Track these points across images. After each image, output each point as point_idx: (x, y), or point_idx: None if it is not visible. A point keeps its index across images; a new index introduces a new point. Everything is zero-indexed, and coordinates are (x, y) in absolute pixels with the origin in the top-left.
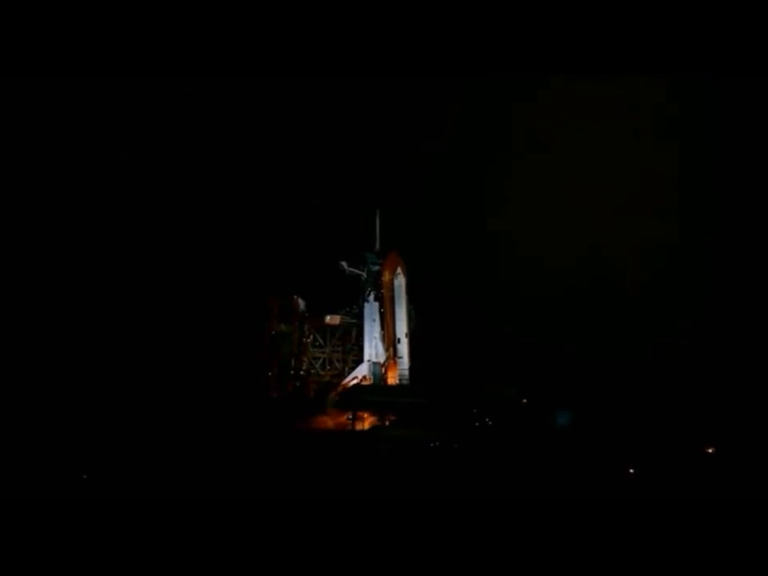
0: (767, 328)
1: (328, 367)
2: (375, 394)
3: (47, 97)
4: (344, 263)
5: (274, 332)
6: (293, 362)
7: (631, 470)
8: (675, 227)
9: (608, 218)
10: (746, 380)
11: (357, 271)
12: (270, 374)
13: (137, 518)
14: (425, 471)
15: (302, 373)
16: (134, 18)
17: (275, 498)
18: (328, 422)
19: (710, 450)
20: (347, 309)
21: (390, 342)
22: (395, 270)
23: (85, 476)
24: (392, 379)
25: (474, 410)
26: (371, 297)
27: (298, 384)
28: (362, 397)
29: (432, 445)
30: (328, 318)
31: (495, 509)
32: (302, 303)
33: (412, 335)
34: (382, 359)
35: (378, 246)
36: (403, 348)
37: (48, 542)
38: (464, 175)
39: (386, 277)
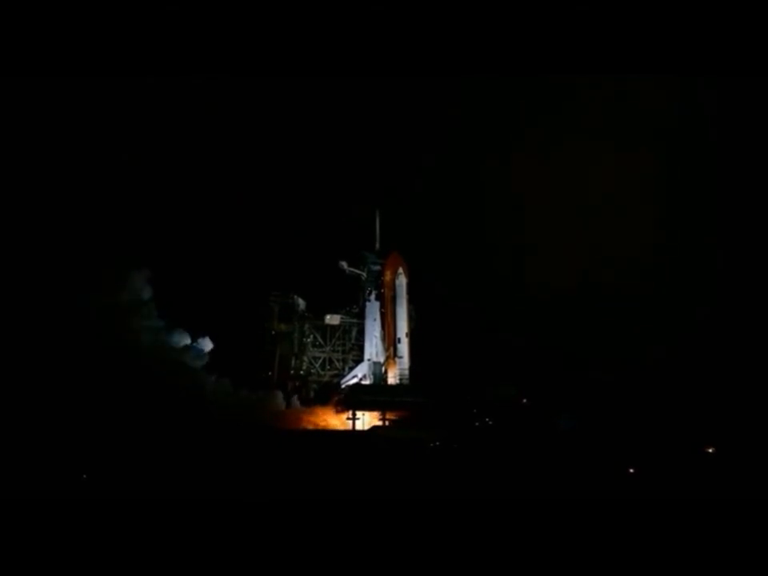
0: (766, 328)
1: (328, 367)
2: (375, 393)
3: (46, 97)
4: (344, 263)
5: (274, 332)
6: (293, 361)
7: (631, 470)
8: (675, 228)
9: (608, 220)
10: (747, 380)
11: (357, 271)
12: (270, 373)
13: (137, 518)
14: (425, 471)
15: (301, 373)
16: (134, 18)
17: (274, 499)
18: (328, 421)
19: (710, 450)
20: (347, 309)
21: (390, 341)
22: (397, 269)
23: (85, 476)
24: (392, 379)
25: (474, 410)
26: (372, 296)
27: (297, 384)
28: (362, 396)
29: (432, 445)
30: (328, 318)
31: (495, 509)
32: (302, 303)
33: (412, 335)
34: (382, 359)
35: (377, 245)
36: (403, 348)
37: (48, 542)
38: (464, 175)
39: (388, 276)
